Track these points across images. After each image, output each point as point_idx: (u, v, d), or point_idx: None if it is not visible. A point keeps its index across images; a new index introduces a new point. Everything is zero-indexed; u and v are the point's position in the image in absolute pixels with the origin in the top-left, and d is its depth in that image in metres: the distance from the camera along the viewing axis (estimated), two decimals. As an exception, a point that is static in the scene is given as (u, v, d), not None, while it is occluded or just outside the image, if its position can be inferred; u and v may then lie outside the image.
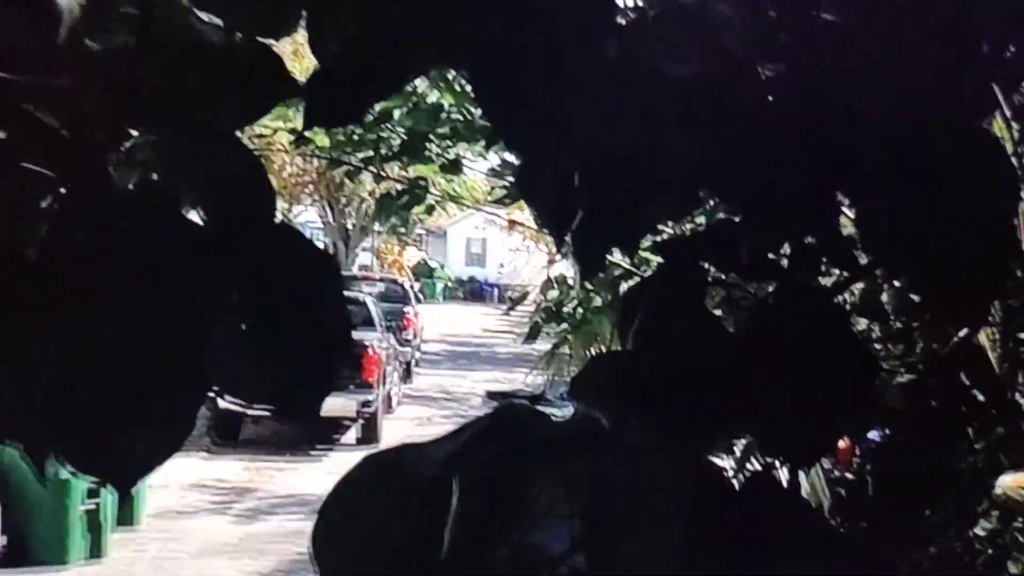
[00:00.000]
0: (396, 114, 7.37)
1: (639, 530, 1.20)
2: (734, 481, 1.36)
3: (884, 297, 3.18)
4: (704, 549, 1.20)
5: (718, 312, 1.65)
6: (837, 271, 1.71)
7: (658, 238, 2.07)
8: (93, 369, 1.23)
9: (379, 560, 1.24)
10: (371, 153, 7.70)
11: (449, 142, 7.53)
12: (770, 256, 1.51)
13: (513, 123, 1.32)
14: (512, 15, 1.25)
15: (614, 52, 1.36)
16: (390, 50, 1.22)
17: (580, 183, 1.41)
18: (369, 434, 17.82)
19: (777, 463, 1.42)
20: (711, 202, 1.53)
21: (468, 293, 50.28)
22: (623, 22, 1.42)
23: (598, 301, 7.47)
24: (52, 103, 1.21)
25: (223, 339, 1.30)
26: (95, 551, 11.37)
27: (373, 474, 1.32)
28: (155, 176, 1.32)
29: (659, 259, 1.76)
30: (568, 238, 1.48)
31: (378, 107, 6.80)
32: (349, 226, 35.29)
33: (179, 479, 14.67)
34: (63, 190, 1.23)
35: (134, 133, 1.31)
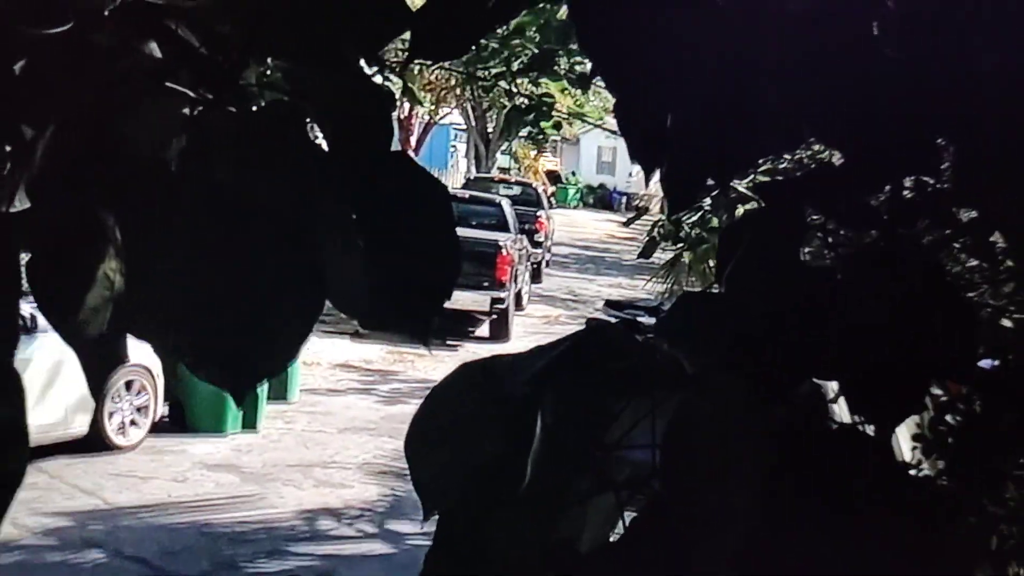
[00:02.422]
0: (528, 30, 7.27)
1: (718, 469, 1.17)
2: (818, 430, 1.30)
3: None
4: (783, 495, 1.17)
5: (815, 257, 1.57)
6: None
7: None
8: (219, 279, 1.24)
9: (463, 472, 1.24)
10: (503, 69, 7.62)
11: (578, 57, 7.40)
12: (870, 204, 1.43)
13: (610, 57, 1.27)
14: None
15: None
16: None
17: (675, 114, 1.34)
18: (500, 330, 17.90)
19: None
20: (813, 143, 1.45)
21: (598, 200, 49.92)
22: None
23: (715, 222, 7.32)
24: (192, 23, 1.21)
25: (340, 259, 1.30)
26: (249, 422, 11.64)
27: (464, 385, 1.31)
28: (284, 99, 1.31)
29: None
30: (660, 170, 1.42)
31: (512, 22, 6.72)
32: (489, 130, 35.32)
33: (328, 359, 15.09)
34: (200, 108, 1.23)
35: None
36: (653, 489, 1.22)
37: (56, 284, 1.07)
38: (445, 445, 1.30)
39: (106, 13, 1.05)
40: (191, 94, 1.17)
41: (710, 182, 1.44)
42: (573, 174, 50.36)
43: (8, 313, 1.01)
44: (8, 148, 0.98)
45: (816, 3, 1.35)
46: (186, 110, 1.17)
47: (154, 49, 1.14)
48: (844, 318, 1.32)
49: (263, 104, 1.25)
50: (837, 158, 1.52)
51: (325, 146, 1.26)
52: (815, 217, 1.54)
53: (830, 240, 1.57)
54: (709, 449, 1.17)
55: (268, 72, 1.27)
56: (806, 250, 1.52)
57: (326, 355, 15.14)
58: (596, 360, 1.31)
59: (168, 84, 1.15)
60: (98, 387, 1.15)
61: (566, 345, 1.33)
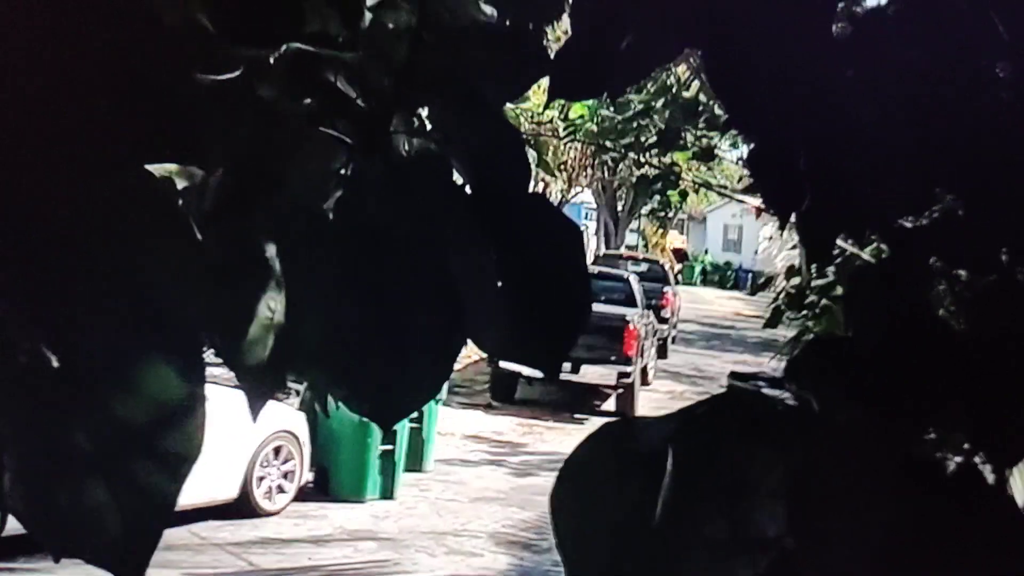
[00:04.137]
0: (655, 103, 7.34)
1: (847, 518, 1.15)
2: (940, 473, 1.27)
3: None
4: (907, 538, 1.14)
5: (941, 304, 1.55)
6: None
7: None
8: (366, 317, 1.28)
9: (605, 524, 1.24)
10: (632, 140, 7.70)
11: (704, 133, 7.42)
12: (992, 249, 1.41)
13: (743, 103, 1.28)
14: None
15: (847, 36, 1.30)
16: (632, 31, 1.21)
17: (808, 166, 1.35)
18: (626, 404, 17.68)
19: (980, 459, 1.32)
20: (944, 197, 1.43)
21: (723, 278, 49.43)
22: (860, 9, 1.36)
23: (839, 290, 7.17)
24: (349, 75, 1.26)
25: (479, 297, 1.33)
26: (387, 491, 11.77)
27: (606, 442, 1.32)
28: (432, 146, 1.36)
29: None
30: (795, 222, 1.42)
31: (638, 101, 6.78)
32: (619, 208, 35.52)
33: (462, 430, 15.18)
34: (354, 153, 1.28)
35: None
36: (783, 545, 1.21)
37: (223, 313, 1.13)
38: (586, 500, 1.31)
39: (271, 61, 1.12)
40: (346, 140, 1.22)
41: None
42: (706, 252, 50.01)
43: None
44: (182, 187, 1.05)
45: (933, 50, 1.34)
46: (341, 155, 1.23)
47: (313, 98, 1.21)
48: (965, 363, 1.30)
49: (412, 150, 1.30)
50: (959, 203, 1.50)
51: (468, 188, 1.31)
52: (939, 263, 1.52)
53: (955, 286, 1.55)
54: (836, 496, 1.16)
55: (417, 119, 1.32)
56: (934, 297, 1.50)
57: (460, 426, 15.23)
58: (732, 415, 1.31)
59: (324, 130, 1.21)
60: (256, 415, 1.20)
61: (705, 406, 1.34)
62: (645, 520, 1.22)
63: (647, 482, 1.24)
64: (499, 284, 1.34)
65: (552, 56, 1.29)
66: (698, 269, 48.06)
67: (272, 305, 1.18)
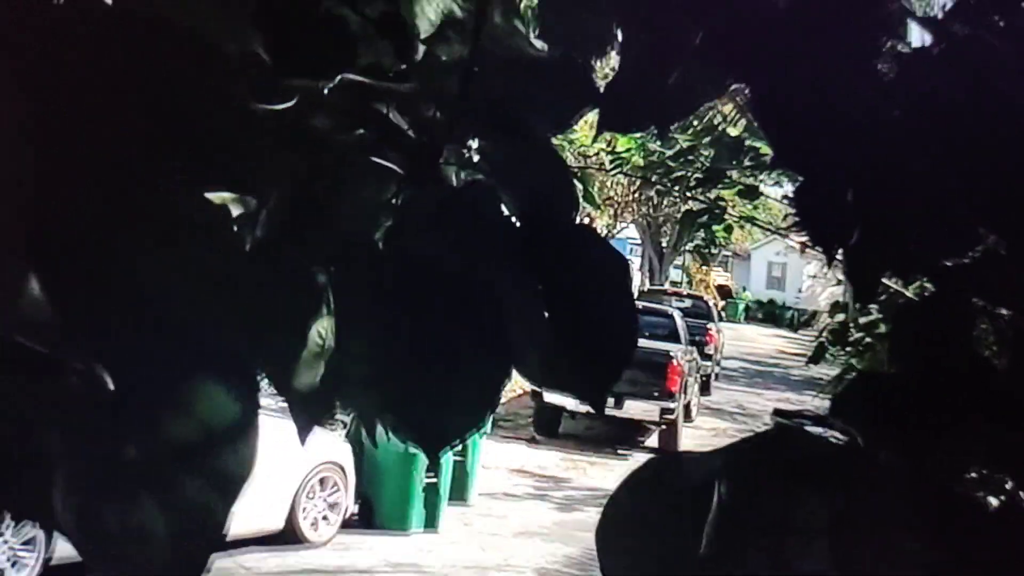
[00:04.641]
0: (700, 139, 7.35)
1: (890, 555, 1.13)
2: (982, 511, 1.25)
3: None
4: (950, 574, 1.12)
5: (983, 343, 1.53)
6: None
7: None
8: (415, 346, 1.29)
9: (650, 560, 1.23)
10: (678, 174, 7.70)
11: (749, 172, 7.41)
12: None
13: (790, 140, 1.27)
14: (791, 36, 1.21)
15: (893, 76, 1.29)
16: (681, 66, 1.21)
17: (855, 204, 1.34)
18: (669, 440, 17.48)
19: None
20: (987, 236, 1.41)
21: (767, 315, 49.05)
22: (906, 49, 1.35)
23: (882, 328, 7.08)
24: (400, 106, 1.27)
25: (526, 327, 1.33)
26: (430, 523, 11.71)
27: (651, 478, 1.31)
28: (481, 177, 1.36)
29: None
30: (842, 259, 1.41)
31: (685, 142, 6.78)
32: (663, 244, 35.47)
33: (506, 463, 15.13)
34: (404, 183, 1.29)
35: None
36: None
37: (275, 338, 1.13)
38: (633, 536, 1.29)
39: (325, 92, 1.13)
40: (397, 170, 1.23)
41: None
42: (744, 288, 49.68)
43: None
44: (237, 215, 1.06)
45: (976, 90, 1.33)
46: (392, 185, 1.23)
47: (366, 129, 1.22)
48: (1008, 402, 1.28)
49: (462, 181, 1.30)
50: (1002, 243, 1.48)
51: (516, 219, 1.31)
52: (982, 302, 1.50)
53: (997, 325, 1.53)
54: (879, 534, 1.14)
55: (467, 151, 1.33)
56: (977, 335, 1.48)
57: (503, 460, 15.18)
58: (778, 452, 1.30)
59: (376, 160, 1.22)
60: (304, 440, 1.20)
61: (750, 443, 1.33)
62: (690, 556, 1.21)
63: (693, 518, 1.23)
64: (546, 315, 1.34)
65: (601, 89, 1.30)
66: (740, 307, 47.69)
67: (323, 332, 1.18)
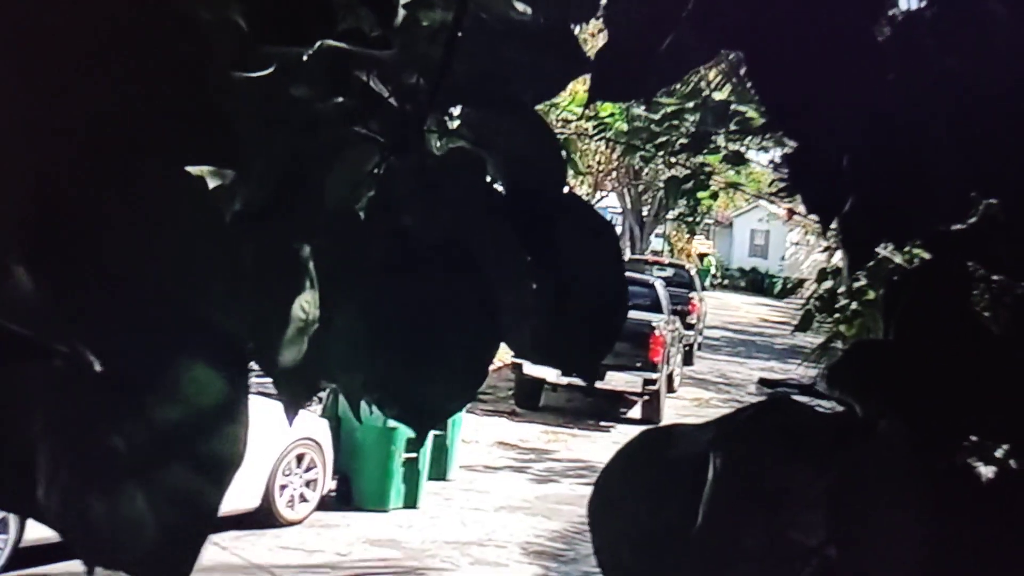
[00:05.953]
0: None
1: (889, 525, 1.14)
2: (979, 480, 1.26)
3: None
4: (952, 548, 1.13)
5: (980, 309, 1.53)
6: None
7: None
8: (400, 320, 1.28)
9: (643, 533, 1.23)
10: (663, 139, 7.69)
11: (735, 136, 7.41)
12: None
13: (786, 105, 1.27)
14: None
15: (888, 40, 1.29)
16: (673, 33, 1.21)
17: (851, 170, 1.34)
18: (651, 411, 17.61)
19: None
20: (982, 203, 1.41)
21: (750, 283, 49.13)
22: (898, 12, 1.35)
23: (871, 295, 7.11)
24: (382, 74, 1.26)
25: (513, 299, 1.32)
26: (410, 500, 11.73)
27: (644, 450, 1.31)
28: (465, 145, 1.35)
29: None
30: (838, 226, 1.41)
31: (670, 106, 6.77)
32: (644, 213, 35.53)
33: (487, 437, 15.17)
34: (387, 153, 1.28)
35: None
36: (824, 554, 1.19)
37: (257, 315, 1.12)
38: (626, 509, 1.29)
39: (304, 59, 1.12)
40: (379, 139, 1.22)
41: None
42: (707, 256, 48.56)
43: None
44: (213, 186, 1.04)
45: (971, 54, 1.33)
46: (374, 155, 1.22)
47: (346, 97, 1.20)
48: (1007, 370, 1.29)
49: (445, 149, 1.29)
50: (998, 208, 1.49)
51: (502, 188, 1.30)
52: (979, 268, 1.50)
53: (994, 291, 1.53)
54: (877, 505, 1.15)
55: (450, 119, 1.31)
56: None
57: (484, 433, 15.22)
58: (774, 424, 1.30)
59: (357, 129, 1.21)
60: (292, 419, 1.20)
61: (747, 413, 1.33)
62: (685, 529, 1.21)
63: (686, 490, 1.23)
64: (534, 286, 1.33)
65: (589, 56, 1.29)
66: (708, 275, 46.35)
67: (306, 307, 1.18)
